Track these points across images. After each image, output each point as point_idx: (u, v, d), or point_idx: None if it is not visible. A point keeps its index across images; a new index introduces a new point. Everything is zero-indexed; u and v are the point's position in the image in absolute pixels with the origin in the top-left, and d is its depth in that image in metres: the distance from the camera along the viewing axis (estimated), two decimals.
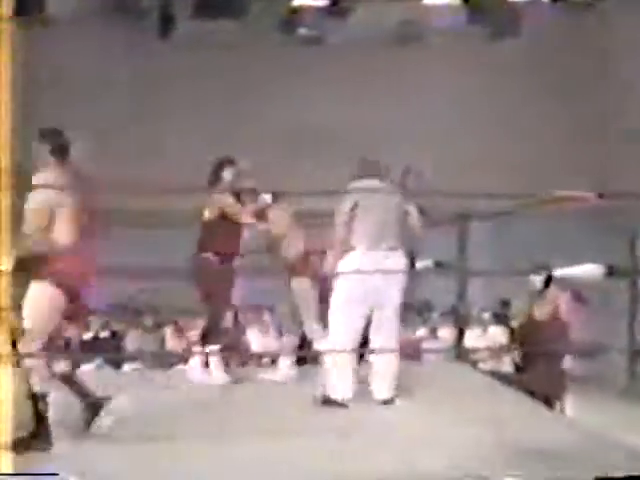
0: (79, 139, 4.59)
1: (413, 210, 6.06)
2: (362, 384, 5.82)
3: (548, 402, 7.06)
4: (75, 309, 4.68)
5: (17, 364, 4.48)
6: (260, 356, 9.68)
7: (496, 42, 13.95)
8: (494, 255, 11.59)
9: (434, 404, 5.72)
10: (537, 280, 7.74)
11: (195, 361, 6.84)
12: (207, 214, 6.67)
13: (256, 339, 9.83)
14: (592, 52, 13.77)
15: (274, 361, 7.59)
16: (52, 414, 4.52)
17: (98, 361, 10.11)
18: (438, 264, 7.63)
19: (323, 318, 6.81)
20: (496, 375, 7.60)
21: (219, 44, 13.44)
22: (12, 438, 4.15)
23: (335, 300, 5.83)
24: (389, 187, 6.05)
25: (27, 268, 4.41)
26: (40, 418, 4.46)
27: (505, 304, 11.61)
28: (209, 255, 6.63)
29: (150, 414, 5.36)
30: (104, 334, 11.25)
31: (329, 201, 5.37)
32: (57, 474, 3.86)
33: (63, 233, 4.52)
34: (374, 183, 5.95)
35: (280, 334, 7.94)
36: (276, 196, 6.75)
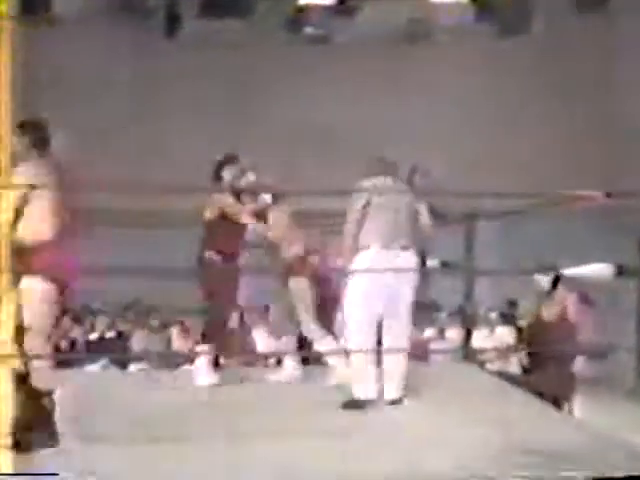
0: (78, 135, 4.56)
1: (424, 209, 6.03)
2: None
3: (556, 403, 7.02)
4: (63, 304, 4.64)
5: (24, 364, 4.45)
6: (262, 356, 9.65)
7: (504, 40, 13.90)
8: (501, 255, 11.56)
9: (442, 404, 5.69)
10: (545, 280, 7.71)
11: (201, 361, 6.81)
12: (208, 214, 6.66)
13: (262, 339, 9.78)
14: (599, 52, 13.73)
15: (280, 361, 7.55)
16: (58, 411, 4.49)
17: (104, 361, 10.11)
18: (445, 264, 7.58)
19: (323, 319, 6.81)
20: (504, 376, 7.57)
21: (225, 43, 13.43)
22: (17, 437, 4.11)
23: (350, 299, 5.80)
24: (401, 186, 6.01)
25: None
26: (46, 416, 4.43)
27: (512, 304, 11.57)
28: (211, 254, 6.62)
29: (156, 415, 5.34)
30: (110, 334, 11.25)
31: (329, 201, 5.32)
32: (57, 474, 3.84)
33: (44, 225, 4.47)
34: (386, 181, 5.91)
35: (277, 335, 7.93)
36: (276, 197, 6.73)
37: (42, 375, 4.43)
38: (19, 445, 4.11)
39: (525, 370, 8.10)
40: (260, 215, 6.74)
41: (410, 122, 13.29)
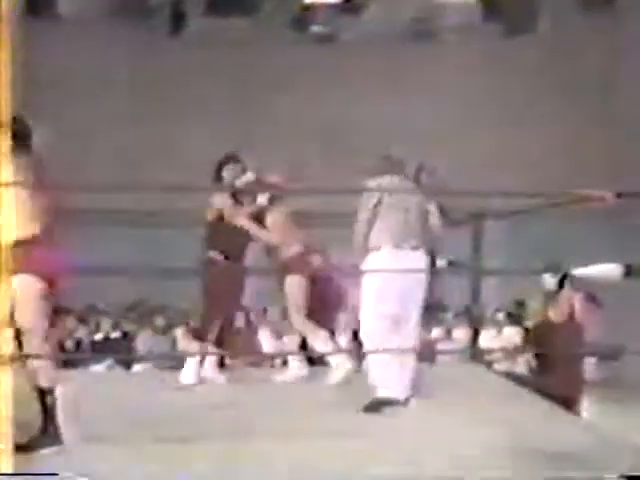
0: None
1: (434, 209, 5.97)
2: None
3: (564, 404, 6.97)
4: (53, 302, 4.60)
5: (23, 364, 4.42)
6: (267, 357, 9.62)
7: (510, 39, 13.86)
8: (509, 255, 11.51)
9: (449, 405, 5.66)
10: (552, 280, 7.68)
11: (191, 361, 6.79)
12: (209, 215, 6.65)
13: (267, 340, 9.74)
14: (605, 51, 13.69)
15: (286, 362, 7.53)
16: (60, 410, 4.46)
17: (109, 362, 10.10)
18: (451, 263, 7.54)
19: (325, 318, 6.80)
20: (511, 376, 7.54)
21: (230, 42, 13.40)
22: (19, 437, 4.09)
23: (365, 299, 5.74)
24: (410, 185, 5.96)
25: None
26: (48, 415, 4.40)
27: (520, 304, 11.53)
28: (214, 254, 6.59)
29: (160, 415, 5.32)
30: (115, 334, 11.24)
31: (332, 201, 5.28)
32: (57, 474, 3.81)
33: (27, 220, 4.43)
34: (394, 180, 5.86)
35: (278, 335, 7.92)
36: (274, 198, 6.70)
37: (43, 374, 4.39)
38: (23, 445, 4.09)
39: (532, 371, 8.07)
40: (258, 216, 6.71)
41: (416, 121, 13.24)
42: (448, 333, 11.14)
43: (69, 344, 10.86)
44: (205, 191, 6.92)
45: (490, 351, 9.70)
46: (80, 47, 13.05)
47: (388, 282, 5.68)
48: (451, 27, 13.91)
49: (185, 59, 13.42)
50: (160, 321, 11.35)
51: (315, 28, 13.98)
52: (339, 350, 6.89)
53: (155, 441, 4.66)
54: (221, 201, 6.60)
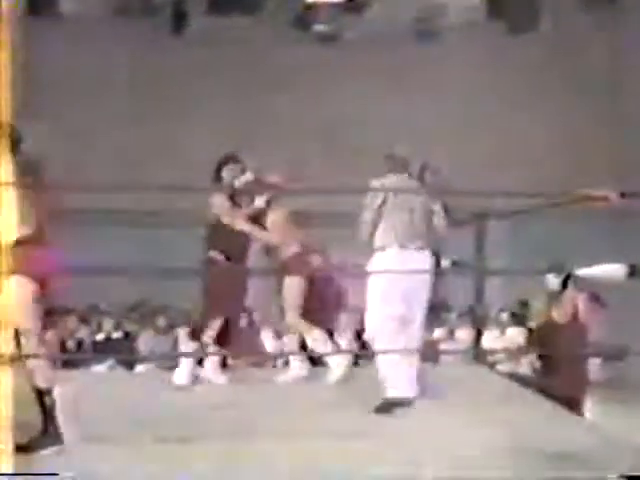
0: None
1: (439, 208, 5.93)
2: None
3: (568, 405, 6.95)
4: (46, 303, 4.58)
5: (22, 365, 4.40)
6: (269, 357, 9.61)
7: (513, 38, 13.83)
8: (512, 255, 11.49)
9: (452, 406, 5.64)
10: (555, 280, 7.65)
11: (209, 362, 6.77)
12: (209, 215, 6.64)
13: (269, 340, 9.74)
14: (609, 48, 13.67)
15: (288, 362, 7.52)
16: (60, 410, 4.44)
17: (110, 362, 10.08)
18: (455, 263, 7.52)
19: (325, 318, 6.79)
20: (514, 377, 7.51)
21: (233, 41, 13.37)
22: (20, 438, 4.07)
23: (371, 300, 5.70)
24: (414, 184, 5.92)
25: None
26: (48, 415, 4.38)
27: (524, 305, 11.50)
28: (215, 254, 6.57)
29: (162, 415, 5.32)
30: (117, 335, 11.21)
31: (329, 201, 5.27)
32: (57, 474, 3.79)
33: (19, 222, 4.41)
34: (401, 179, 5.82)
35: (278, 335, 7.91)
36: (271, 200, 6.68)
37: (40, 374, 4.37)
38: (23, 446, 4.08)
39: (536, 371, 8.04)
40: (258, 217, 6.69)
41: (419, 120, 13.20)
42: (451, 333, 11.11)
43: (71, 344, 10.84)
44: (205, 191, 6.89)
45: (493, 352, 9.67)
46: (81, 46, 13.02)
47: (394, 283, 5.65)
48: (454, 26, 13.86)
49: (187, 58, 13.39)
50: (162, 321, 11.33)
51: (318, 27, 13.93)
52: (336, 349, 6.88)
53: (156, 441, 4.66)
54: (219, 204, 6.58)
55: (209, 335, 6.59)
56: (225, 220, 6.55)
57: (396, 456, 4.43)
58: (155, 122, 13.29)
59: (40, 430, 4.34)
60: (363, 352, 5.92)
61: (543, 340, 7.96)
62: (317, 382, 6.68)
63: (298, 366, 6.92)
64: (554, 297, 7.75)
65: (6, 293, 4.16)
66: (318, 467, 4.21)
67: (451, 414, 5.42)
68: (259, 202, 6.65)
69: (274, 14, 13.53)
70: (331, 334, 6.96)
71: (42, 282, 4.42)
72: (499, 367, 8.78)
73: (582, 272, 6.01)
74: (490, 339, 10.08)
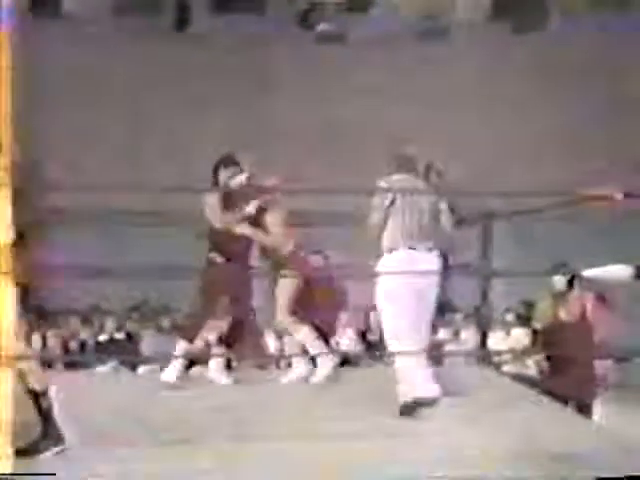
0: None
1: (446, 209, 5.88)
2: None
3: (575, 406, 6.93)
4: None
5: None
6: (273, 358, 9.61)
7: (520, 36, 13.79)
8: (517, 256, 11.44)
9: (457, 407, 5.58)
10: (561, 281, 7.63)
11: (214, 363, 6.76)
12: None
13: (274, 341, 9.72)
14: (613, 49, 13.65)
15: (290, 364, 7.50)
16: (61, 411, 4.41)
17: (114, 363, 10.07)
18: (460, 264, 7.50)
19: (324, 318, 6.77)
20: (520, 378, 7.47)
21: (236, 40, 13.35)
22: (20, 441, 4.03)
23: (382, 301, 5.63)
24: (422, 184, 5.86)
25: None
26: (46, 417, 4.34)
27: (529, 305, 11.47)
28: (215, 255, 6.54)
29: (163, 416, 5.31)
30: (119, 335, 11.20)
31: (328, 201, 5.23)
32: (54, 474, 3.78)
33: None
34: (409, 179, 5.76)
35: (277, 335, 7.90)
36: (267, 203, 6.65)
37: (32, 376, 4.33)
38: (23, 449, 4.04)
39: (543, 372, 8.01)
40: (257, 217, 6.65)
41: (424, 120, 13.18)
42: (456, 334, 11.09)
43: (73, 345, 10.83)
44: (205, 192, 6.86)
45: (499, 353, 9.63)
46: (81, 46, 13.00)
47: (403, 284, 5.59)
48: (460, 25, 13.82)
49: (188, 57, 13.36)
50: (164, 322, 11.32)
51: (322, 26, 13.88)
52: (327, 348, 6.87)
53: (158, 442, 4.66)
54: (209, 207, 6.55)
55: (203, 337, 6.58)
56: (217, 225, 6.54)
57: (401, 457, 4.41)
58: (155, 122, 13.28)
59: (40, 432, 4.30)
60: (360, 353, 5.85)
61: (551, 340, 7.93)
62: (317, 382, 6.65)
63: (301, 367, 6.88)
64: (560, 297, 7.74)
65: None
66: (319, 467, 4.19)
67: (457, 416, 5.37)
68: (250, 208, 6.61)
69: (278, 13, 13.49)
70: (331, 334, 6.95)
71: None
72: (506, 368, 8.75)
73: (588, 273, 5.96)
74: (495, 340, 10.05)
